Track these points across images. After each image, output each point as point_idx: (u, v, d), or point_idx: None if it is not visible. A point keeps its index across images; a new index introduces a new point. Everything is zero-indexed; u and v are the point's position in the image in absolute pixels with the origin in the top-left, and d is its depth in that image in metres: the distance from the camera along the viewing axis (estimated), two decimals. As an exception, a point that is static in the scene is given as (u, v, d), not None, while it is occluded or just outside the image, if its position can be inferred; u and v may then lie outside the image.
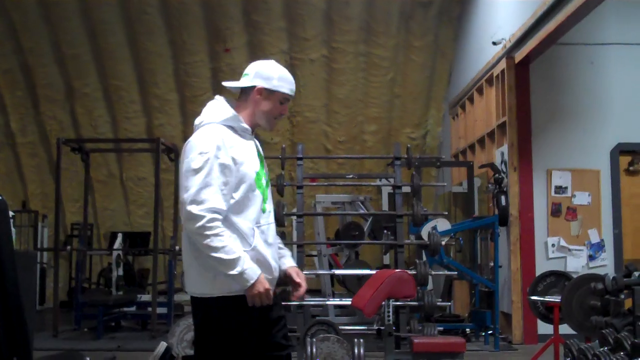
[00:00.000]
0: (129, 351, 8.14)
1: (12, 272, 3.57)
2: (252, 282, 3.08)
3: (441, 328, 7.05)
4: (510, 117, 9.68)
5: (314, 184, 8.84)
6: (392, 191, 8.24)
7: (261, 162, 3.41)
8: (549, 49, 9.26)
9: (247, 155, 3.28)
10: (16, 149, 14.52)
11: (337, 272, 7.83)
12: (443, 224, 9.22)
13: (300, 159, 6.91)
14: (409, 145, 7.25)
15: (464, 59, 12.69)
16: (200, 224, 3.02)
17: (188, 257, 3.25)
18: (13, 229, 11.39)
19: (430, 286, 7.84)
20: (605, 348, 4.51)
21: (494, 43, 9.99)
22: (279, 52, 13.18)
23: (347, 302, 6.35)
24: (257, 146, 3.46)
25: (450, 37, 13.42)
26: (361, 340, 5.22)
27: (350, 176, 7.15)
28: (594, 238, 9.57)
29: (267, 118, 3.40)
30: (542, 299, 7.34)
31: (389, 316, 5.31)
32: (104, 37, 13.40)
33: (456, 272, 9.26)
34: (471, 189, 10.82)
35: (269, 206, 3.38)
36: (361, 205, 9.66)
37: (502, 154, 9.92)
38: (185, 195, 3.08)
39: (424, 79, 13.88)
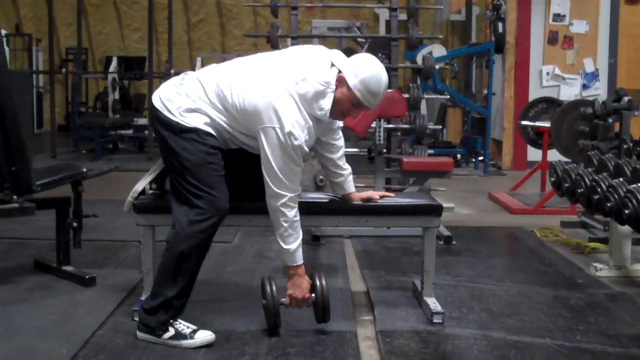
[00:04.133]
0: (126, 171, 8.28)
1: (6, 82, 3.61)
2: (294, 265, 3.24)
3: (432, 152, 7.18)
4: (513, -60, 9.42)
5: (310, 4, 8.69)
6: (388, 18, 8.13)
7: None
8: None
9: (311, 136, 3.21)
10: (6, -29, 14.19)
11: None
12: (439, 50, 9.20)
13: (295, -22, 6.73)
14: (406, -34, 7.06)
15: None
16: (282, 201, 3.12)
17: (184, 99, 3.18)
18: (7, 48, 11.29)
19: (423, 112, 7.90)
20: (590, 169, 4.61)
21: None
22: None
23: (339, 123, 6.39)
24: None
25: None
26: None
27: (347, -3, 7.00)
28: (589, 67, 9.56)
29: (334, 107, 3.17)
30: (532, 123, 7.45)
31: (379, 136, 5.38)
32: None
33: (448, 97, 9.32)
34: (469, 16, 10.70)
35: None
36: (357, 31, 9.55)
37: (502, -21, 9.73)
38: (273, 171, 3.08)
39: None
